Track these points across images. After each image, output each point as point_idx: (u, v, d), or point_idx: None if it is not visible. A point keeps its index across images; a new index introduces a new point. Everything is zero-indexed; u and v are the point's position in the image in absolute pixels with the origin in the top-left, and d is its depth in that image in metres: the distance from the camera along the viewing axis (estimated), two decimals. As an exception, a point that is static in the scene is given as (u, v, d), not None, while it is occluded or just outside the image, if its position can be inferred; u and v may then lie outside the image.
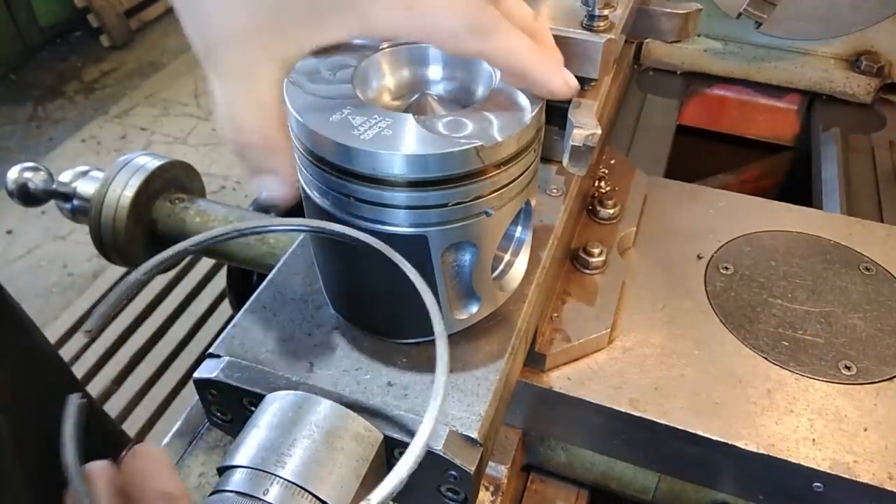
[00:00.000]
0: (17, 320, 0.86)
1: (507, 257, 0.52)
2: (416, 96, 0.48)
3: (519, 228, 0.52)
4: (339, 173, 0.41)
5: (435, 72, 0.51)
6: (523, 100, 0.44)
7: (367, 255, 0.44)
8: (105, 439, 0.98)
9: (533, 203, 0.50)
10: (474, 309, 0.49)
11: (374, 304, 0.49)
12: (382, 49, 0.49)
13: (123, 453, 0.32)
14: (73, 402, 0.33)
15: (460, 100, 0.49)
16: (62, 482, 0.31)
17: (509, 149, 0.42)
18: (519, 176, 0.44)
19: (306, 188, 0.45)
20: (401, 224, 0.42)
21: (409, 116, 0.42)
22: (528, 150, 0.44)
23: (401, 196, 0.41)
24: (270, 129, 0.37)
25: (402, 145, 0.40)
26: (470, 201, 0.42)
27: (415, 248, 0.43)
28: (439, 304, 0.44)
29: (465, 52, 0.41)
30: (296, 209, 0.47)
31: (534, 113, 0.43)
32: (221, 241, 0.39)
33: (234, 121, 0.37)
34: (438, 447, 0.43)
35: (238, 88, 0.37)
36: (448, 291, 0.47)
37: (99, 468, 0.33)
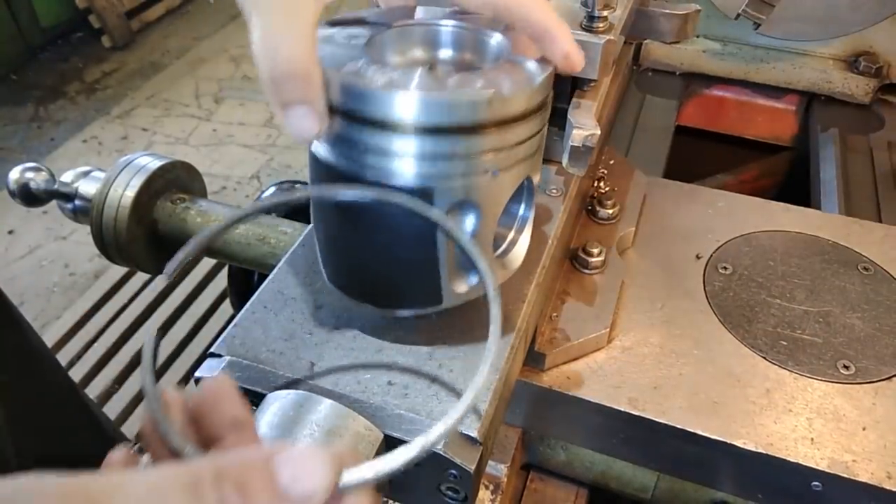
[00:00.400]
0: (15, 321, 0.86)
1: (510, 235, 0.53)
2: (427, 64, 0.49)
3: (522, 206, 0.52)
4: (350, 120, 0.41)
5: (445, 53, 0.51)
6: (532, 67, 0.45)
7: (375, 217, 0.44)
8: (103, 443, 0.98)
9: (536, 181, 0.50)
10: (474, 280, 0.48)
11: (375, 270, 0.48)
12: (395, 26, 0.49)
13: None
14: (150, 334, 0.35)
15: (470, 68, 0.50)
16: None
17: (519, 104, 0.43)
18: (526, 140, 0.45)
19: (312, 148, 0.45)
20: (407, 175, 0.42)
21: (422, 69, 0.42)
22: (536, 114, 0.45)
23: (410, 143, 0.41)
24: (308, 59, 0.39)
25: (414, 90, 0.40)
26: (478, 155, 0.42)
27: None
28: (440, 275, 0.44)
29: (490, 1, 0.44)
30: (296, 210, 0.47)
31: (544, 76, 0.44)
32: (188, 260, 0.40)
33: (274, 52, 0.39)
34: (439, 446, 0.43)
35: (279, 20, 0.39)
36: (449, 258, 0.46)
37: (173, 395, 0.35)
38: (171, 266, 0.37)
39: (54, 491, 0.26)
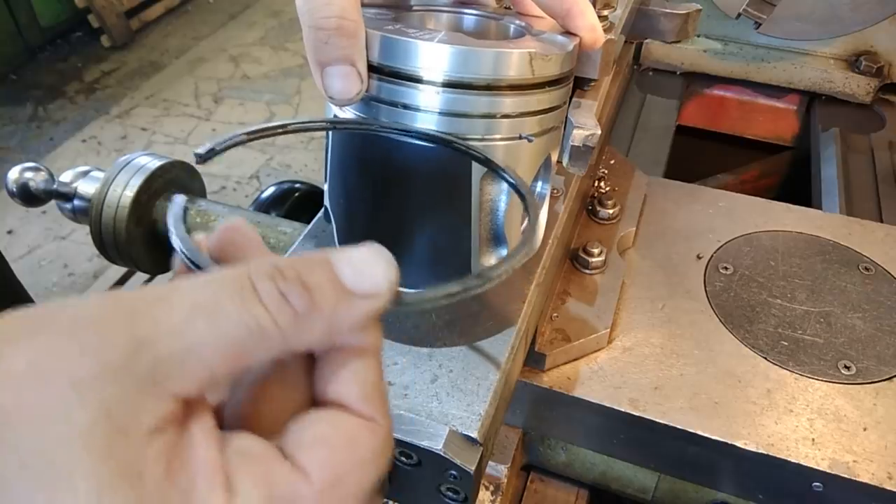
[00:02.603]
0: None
1: None
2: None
3: (539, 182, 0.52)
4: (394, 76, 0.41)
5: (470, 29, 0.52)
6: (561, 38, 0.46)
7: (408, 174, 0.44)
8: None
9: (554, 159, 0.50)
10: (503, 252, 0.48)
11: (402, 240, 0.48)
12: (417, 9, 0.50)
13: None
14: (177, 199, 0.33)
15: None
16: None
17: (556, 67, 0.44)
18: (557, 107, 0.46)
19: (337, 112, 0.45)
20: (447, 134, 0.42)
21: (461, 34, 0.43)
22: (565, 83, 0.46)
23: (451, 99, 0.41)
24: (353, 13, 0.39)
25: (459, 45, 0.40)
26: (518, 115, 0.43)
27: (456, 168, 0.43)
28: (471, 245, 0.45)
29: None
30: (293, 212, 0.47)
31: (574, 43, 0.45)
32: (271, 135, 0.39)
33: (320, 6, 0.39)
34: (439, 447, 0.43)
35: None
36: (482, 229, 0.46)
37: (199, 238, 0.32)
38: (203, 149, 0.36)
39: (91, 314, 0.24)
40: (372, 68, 0.42)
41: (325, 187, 0.51)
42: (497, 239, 0.48)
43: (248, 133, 0.38)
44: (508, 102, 0.42)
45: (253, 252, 0.31)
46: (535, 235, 0.37)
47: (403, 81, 0.41)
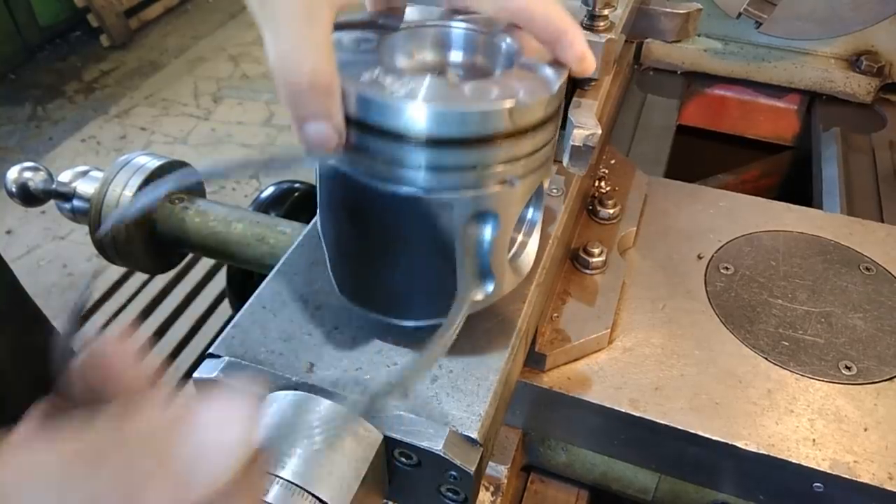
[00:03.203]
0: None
1: (519, 238, 0.52)
2: (438, 70, 0.48)
3: (531, 209, 0.52)
4: (370, 132, 0.41)
5: (455, 55, 0.51)
6: (548, 72, 0.45)
7: (391, 225, 0.44)
8: None
9: (546, 185, 0.50)
10: (489, 288, 0.48)
11: (388, 280, 0.48)
12: (404, 28, 0.49)
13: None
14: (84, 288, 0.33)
15: (483, 74, 0.50)
16: None
17: (538, 113, 0.42)
18: (543, 147, 0.45)
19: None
20: (427, 187, 0.42)
21: (439, 79, 0.42)
22: (552, 120, 0.45)
23: (431, 156, 0.41)
24: (327, 70, 0.38)
25: (435, 103, 0.39)
26: (497, 166, 0.42)
27: (438, 215, 0.43)
28: (457, 284, 0.44)
29: (508, 7, 0.44)
30: (293, 212, 0.47)
31: (560, 81, 0.44)
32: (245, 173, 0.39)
33: (292, 64, 0.38)
34: (438, 447, 0.43)
35: (296, 31, 0.38)
36: (466, 267, 0.46)
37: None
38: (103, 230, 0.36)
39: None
40: (349, 120, 0.41)
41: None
42: (482, 274, 0.48)
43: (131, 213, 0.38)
44: (490, 154, 0.41)
45: (123, 369, 0.32)
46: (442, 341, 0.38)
47: (380, 137, 0.41)
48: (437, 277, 0.46)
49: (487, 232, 0.45)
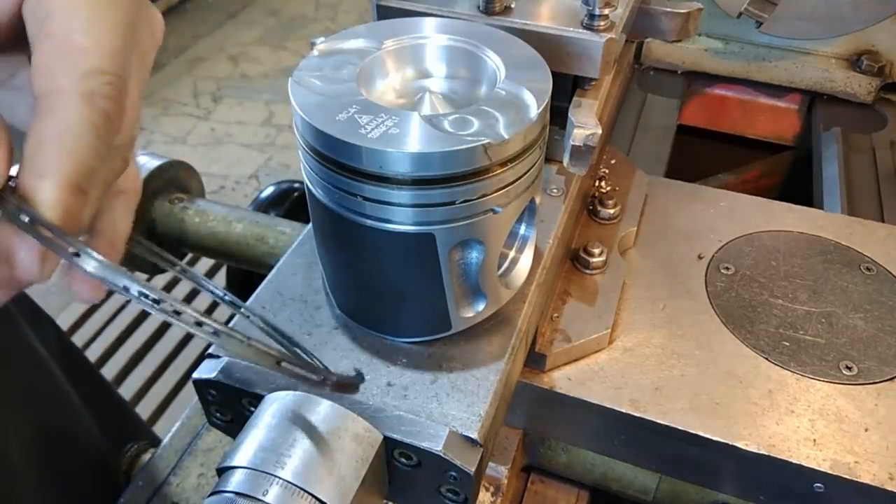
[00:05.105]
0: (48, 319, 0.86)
1: (511, 254, 0.52)
2: (419, 95, 0.48)
3: (523, 226, 0.52)
4: (346, 172, 0.41)
5: (439, 70, 0.51)
6: (528, 97, 0.44)
7: (375, 252, 0.44)
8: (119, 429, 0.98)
9: (538, 201, 0.49)
10: (481, 307, 0.48)
11: (381, 302, 0.49)
12: (385, 48, 0.49)
13: None
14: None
15: (464, 98, 0.49)
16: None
17: (516, 146, 0.42)
18: (525, 173, 0.44)
19: (311, 186, 0.45)
20: (407, 222, 0.42)
21: (416, 114, 0.42)
22: (533, 147, 0.44)
23: (408, 194, 0.41)
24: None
25: (410, 144, 0.40)
26: (477, 199, 0.42)
27: (422, 246, 0.43)
28: (447, 303, 0.45)
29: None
30: (293, 211, 0.48)
31: (539, 110, 0.43)
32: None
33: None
34: (438, 448, 0.43)
35: None
36: (455, 290, 0.47)
37: None
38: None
39: None
40: (327, 159, 0.42)
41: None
42: (473, 294, 0.48)
43: None
44: (470, 189, 0.42)
45: None
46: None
47: (353, 177, 0.41)
48: (427, 300, 0.47)
49: (474, 256, 0.46)
